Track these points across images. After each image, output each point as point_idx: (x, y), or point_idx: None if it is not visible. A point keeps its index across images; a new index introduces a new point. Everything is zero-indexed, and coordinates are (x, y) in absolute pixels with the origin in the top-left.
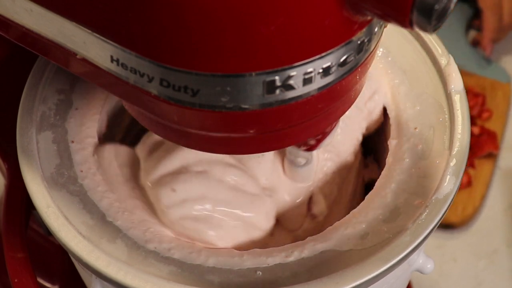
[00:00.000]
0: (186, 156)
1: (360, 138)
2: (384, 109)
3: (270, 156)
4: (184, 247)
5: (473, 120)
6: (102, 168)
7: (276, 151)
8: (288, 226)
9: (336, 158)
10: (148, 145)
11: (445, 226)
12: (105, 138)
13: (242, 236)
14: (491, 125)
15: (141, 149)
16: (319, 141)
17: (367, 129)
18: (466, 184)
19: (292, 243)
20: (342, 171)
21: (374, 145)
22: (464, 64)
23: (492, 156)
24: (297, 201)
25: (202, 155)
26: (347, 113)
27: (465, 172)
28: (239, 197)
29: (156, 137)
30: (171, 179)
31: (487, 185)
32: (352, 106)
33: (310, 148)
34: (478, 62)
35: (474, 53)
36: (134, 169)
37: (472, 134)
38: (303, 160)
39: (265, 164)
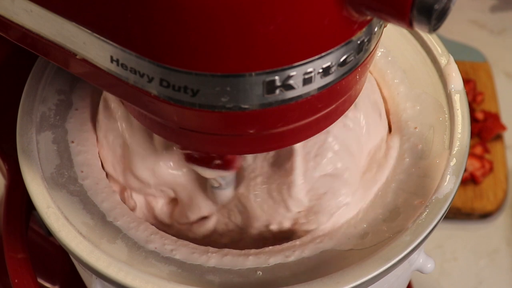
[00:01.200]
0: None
1: (275, 226)
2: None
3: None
4: (186, 247)
5: (471, 106)
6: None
7: None
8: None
9: (243, 215)
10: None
11: (483, 216)
12: None
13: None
14: (486, 106)
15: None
16: (187, 157)
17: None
18: (489, 170)
19: (292, 242)
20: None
21: None
22: None
23: (499, 137)
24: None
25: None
26: (275, 195)
27: (484, 159)
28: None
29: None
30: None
31: (505, 164)
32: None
33: (185, 159)
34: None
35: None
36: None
37: (478, 120)
38: (216, 183)
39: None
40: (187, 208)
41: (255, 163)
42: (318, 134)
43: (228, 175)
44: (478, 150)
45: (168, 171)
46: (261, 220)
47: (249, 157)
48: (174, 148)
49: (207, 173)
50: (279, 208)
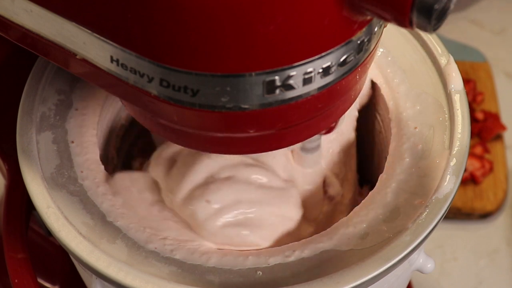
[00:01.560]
0: (208, 165)
1: (356, 113)
2: (372, 83)
3: (282, 149)
4: (186, 248)
5: (471, 106)
6: (122, 200)
7: None
8: (308, 214)
9: (340, 137)
10: (163, 163)
11: (483, 216)
12: (106, 137)
13: (280, 230)
14: (486, 106)
15: (156, 169)
16: (337, 123)
17: (359, 104)
18: (489, 170)
19: (292, 243)
20: (345, 148)
21: (363, 118)
22: None
23: (499, 137)
24: (314, 187)
25: (223, 161)
26: None
27: (484, 159)
28: (269, 193)
29: (167, 154)
30: (202, 191)
31: (505, 164)
32: None
33: (329, 131)
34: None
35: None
36: (154, 192)
37: (478, 120)
38: (315, 144)
39: (279, 157)
40: (313, 200)
41: None
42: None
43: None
44: (478, 150)
45: None
46: (349, 118)
47: None
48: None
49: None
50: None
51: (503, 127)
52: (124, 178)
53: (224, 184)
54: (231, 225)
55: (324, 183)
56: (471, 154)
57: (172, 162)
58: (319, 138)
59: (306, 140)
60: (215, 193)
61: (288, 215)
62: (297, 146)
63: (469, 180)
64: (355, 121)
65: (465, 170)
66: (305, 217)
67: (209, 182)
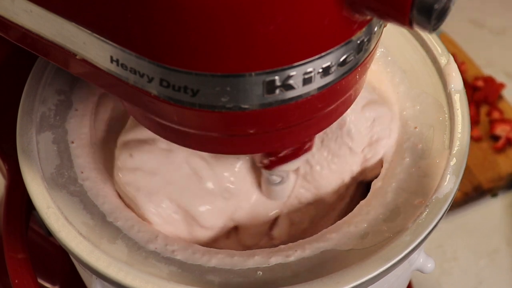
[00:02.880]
0: None
1: (347, 180)
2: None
3: (246, 163)
4: (187, 248)
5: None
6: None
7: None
8: (242, 238)
9: (314, 190)
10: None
11: None
12: (106, 138)
13: (181, 226)
14: (473, 72)
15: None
16: (273, 163)
17: (362, 174)
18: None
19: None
20: (320, 207)
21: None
22: None
23: (501, 97)
24: (261, 216)
25: None
26: (338, 151)
27: (507, 121)
28: (192, 187)
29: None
30: (135, 145)
31: None
32: (346, 147)
33: (266, 167)
34: None
35: None
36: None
37: (479, 88)
38: (278, 179)
39: (238, 168)
40: (254, 229)
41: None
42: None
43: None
44: (496, 115)
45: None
46: (334, 181)
47: None
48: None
49: (294, 164)
50: (346, 158)
51: (502, 85)
52: None
53: (156, 151)
54: (134, 186)
55: (274, 221)
56: (496, 121)
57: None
58: (284, 174)
59: (273, 172)
60: (141, 153)
61: (197, 216)
62: (264, 176)
63: (507, 145)
64: (344, 188)
65: (500, 137)
66: (240, 239)
67: (146, 143)
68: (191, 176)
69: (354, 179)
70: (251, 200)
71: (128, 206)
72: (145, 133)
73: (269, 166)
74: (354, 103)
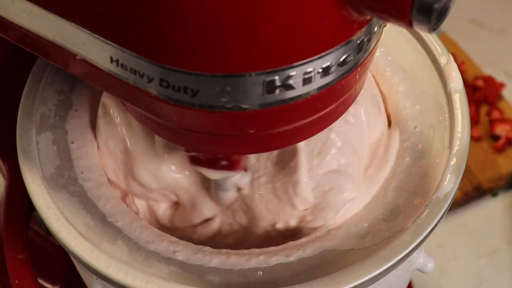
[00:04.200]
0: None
1: (279, 226)
2: None
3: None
4: (188, 248)
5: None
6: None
7: None
8: (178, 216)
9: (248, 215)
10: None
11: None
12: None
13: (121, 167)
14: (473, 72)
15: None
16: (193, 160)
17: (298, 230)
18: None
19: (293, 242)
20: (249, 232)
21: None
22: None
23: (501, 97)
24: (197, 208)
25: None
26: (280, 194)
27: (507, 120)
28: (146, 145)
29: None
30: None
31: None
32: (287, 197)
33: (189, 161)
34: None
35: None
36: None
37: (479, 88)
38: (220, 183)
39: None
40: (190, 211)
41: (259, 163)
42: (321, 131)
43: (233, 176)
44: (496, 114)
45: (171, 174)
46: (267, 220)
47: (252, 157)
48: (178, 151)
49: (213, 174)
50: (285, 206)
51: (502, 84)
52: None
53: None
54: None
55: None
56: (496, 121)
57: None
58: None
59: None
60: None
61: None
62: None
63: (506, 145)
64: (275, 233)
65: (499, 137)
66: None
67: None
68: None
69: (287, 229)
70: (195, 187)
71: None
72: None
73: (190, 161)
74: (321, 159)
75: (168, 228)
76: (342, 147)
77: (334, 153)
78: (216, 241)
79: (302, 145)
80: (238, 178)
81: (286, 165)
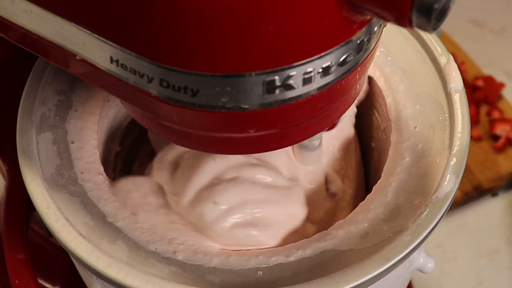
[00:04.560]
0: (213, 167)
1: (355, 109)
2: (368, 77)
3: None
4: (189, 248)
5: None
6: (128, 205)
7: None
8: (311, 212)
9: (339, 134)
10: (166, 167)
11: None
12: (106, 138)
13: (288, 229)
14: (473, 72)
15: (159, 174)
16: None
17: (357, 99)
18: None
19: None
20: (345, 145)
21: (361, 114)
22: None
23: (501, 96)
24: (316, 184)
25: (227, 162)
26: None
27: (507, 120)
28: (275, 192)
29: (169, 157)
30: (208, 193)
31: None
32: None
33: (332, 127)
34: None
35: None
36: (159, 196)
37: (479, 88)
38: (317, 142)
39: (282, 156)
40: (315, 200)
41: None
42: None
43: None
44: (496, 114)
45: None
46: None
47: None
48: None
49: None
50: None
51: (502, 84)
52: (128, 183)
53: (230, 185)
54: (239, 225)
55: (326, 181)
56: (496, 121)
57: (175, 165)
58: (320, 136)
59: (313, 138)
60: (222, 194)
61: (294, 213)
62: (298, 144)
63: (506, 145)
64: (354, 117)
65: (499, 137)
66: (308, 216)
67: (215, 184)
68: (267, 185)
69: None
70: (305, 175)
71: (239, 245)
72: (204, 177)
73: (335, 124)
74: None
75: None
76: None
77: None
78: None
79: None
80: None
81: None
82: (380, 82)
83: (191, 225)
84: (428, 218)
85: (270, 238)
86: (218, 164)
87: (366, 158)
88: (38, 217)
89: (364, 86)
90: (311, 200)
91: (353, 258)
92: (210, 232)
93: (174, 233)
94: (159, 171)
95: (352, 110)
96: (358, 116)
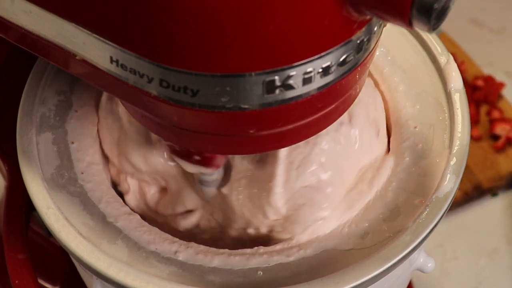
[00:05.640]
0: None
1: None
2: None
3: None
4: (189, 249)
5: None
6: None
7: None
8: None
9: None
10: None
11: None
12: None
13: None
14: (473, 72)
15: None
16: (198, 162)
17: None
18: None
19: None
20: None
21: None
22: None
23: (501, 96)
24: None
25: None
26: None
27: (507, 120)
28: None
29: None
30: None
31: None
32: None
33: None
34: None
35: None
36: None
37: (479, 88)
38: (212, 179)
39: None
40: (174, 199)
41: (242, 164)
42: (304, 144)
43: (210, 172)
44: (496, 114)
45: (160, 160)
46: (240, 222)
47: (237, 158)
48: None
49: (188, 167)
50: (258, 213)
51: (502, 84)
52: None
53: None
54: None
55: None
56: (496, 121)
57: None
58: (215, 174)
59: (203, 174)
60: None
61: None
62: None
63: (506, 145)
64: None
65: (499, 137)
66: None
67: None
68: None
69: (257, 235)
70: (182, 177)
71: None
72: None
73: (169, 151)
74: (299, 173)
75: (153, 212)
76: (325, 164)
77: (315, 168)
78: (194, 234)
79: (282, 155)
80: (216, 176)
81: (265, 172)
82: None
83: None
84: (428, 218)
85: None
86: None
87: None
88: (38, 217)
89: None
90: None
91: (353, 258)
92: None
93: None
94: None
95: None
96: None
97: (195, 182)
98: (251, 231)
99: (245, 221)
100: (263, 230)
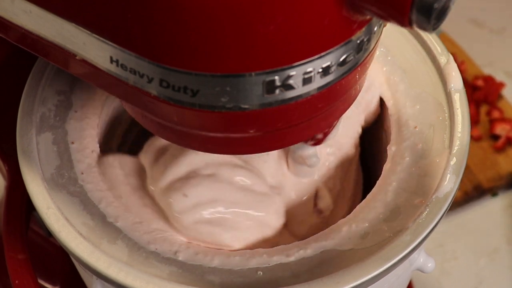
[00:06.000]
0: (194, 160)
1: (359, 130)
2: (381, 100)
3: (275, 155)
4: (189, 249)
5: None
6: (107, 179)
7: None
8: (293, 225)
9: (338, 152)
10: (152, 151)
11: None
12: (106, 139)
13: (256, 235)
14: (473, 72)
15: (145, 156)
16: (326, 135)
17: (365, 121)
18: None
19: (295, 242)
20: (344, 164)
21: (370, 136)
22: None
23: (501, 96)
24: (304, 198)
25: (209, 158)
26: None
27: (507, 120)
28: (249, 197)
29: (159, 143)
30: (181, 184)
31: None
32: None
33: (317, 143)
34: None
35: None
36: (140, 178)
37: (479, 87)
38: (315, 159)
39: (270, 162)
40: (301, 212)
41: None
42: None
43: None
44: (496, 114)
45: None
46: (350, 135)
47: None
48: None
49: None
50: (353, 111)
51: (502, 84)
52: (114, 159)
53: (205, 181)
54: (204, 221)
55: (316, 196)
56: (496, 121)
57: (162, 152)
58: (316, 153)
59: (300, 151)
60: (193, 188)
61: (267, 221)
62: (290, 156)
63: (506, 145)
64: (358, 138)
65: (499, 137)
66: (289, 228)
67: (190, 177)
68: (244, 188)
69: (362, 127)
70: (292, 186)
71: (202, 241)
72: (181, 168)
73: (321, 140)
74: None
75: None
76: None
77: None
78: (333, 200)
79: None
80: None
81: None
82: (389, 104)
83: (161, 212)
84: (428, 218)
85: (234, 240)
86: (199, 158)
87: (372, 178)
88: (38, 217)
89: (375, 109)
90: (293, 212)
91: (353, 258)
92: (175, 222)
93: (144, 216)
94: (145, 154)
95: (356, 131)
96: (366, 137)
97: None
98: (359, 129)
99: (352, 133)
100: (362, 118)
